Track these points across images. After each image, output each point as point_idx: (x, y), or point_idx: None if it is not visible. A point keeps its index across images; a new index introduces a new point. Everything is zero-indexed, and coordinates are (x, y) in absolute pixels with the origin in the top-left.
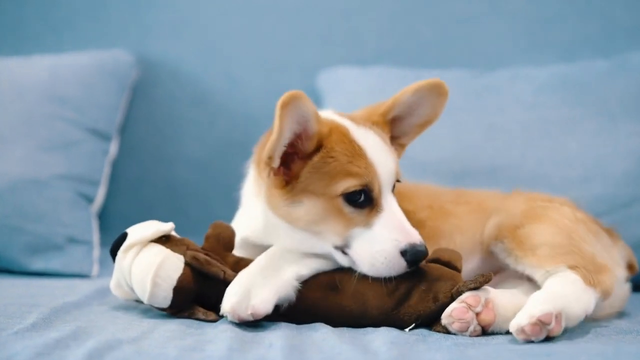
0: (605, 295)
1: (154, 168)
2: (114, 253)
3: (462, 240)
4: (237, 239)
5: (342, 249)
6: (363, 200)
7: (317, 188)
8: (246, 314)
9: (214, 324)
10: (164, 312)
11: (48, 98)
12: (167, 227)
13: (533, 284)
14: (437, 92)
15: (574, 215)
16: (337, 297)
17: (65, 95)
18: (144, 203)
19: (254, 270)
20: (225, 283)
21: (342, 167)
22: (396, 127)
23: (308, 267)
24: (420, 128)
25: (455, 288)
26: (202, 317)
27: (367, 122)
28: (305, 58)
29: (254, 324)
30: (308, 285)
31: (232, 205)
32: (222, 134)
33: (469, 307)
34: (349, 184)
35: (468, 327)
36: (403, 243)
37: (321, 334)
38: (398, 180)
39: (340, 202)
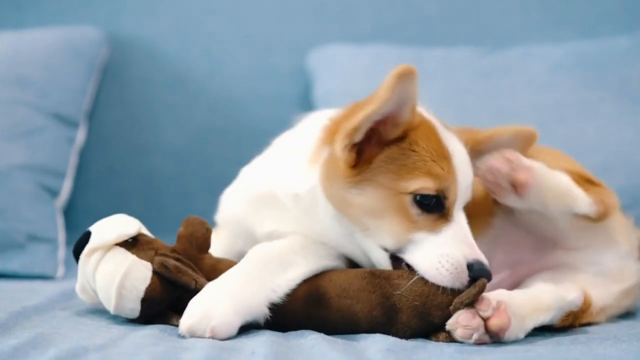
0: (600, 208)
1: (127, 158)
2: (77, 254)
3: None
4: (252, 194)
5: (393, 253)
6: (434, 205)
7: (386, 180)
8: (204, 336)
9: None
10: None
11: (7, 80)
12: (133, 230)
13: (555, 284)
14: (527, 140)
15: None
16: (321, 312)
17: (27, 77)
18: (115, 197)
19: (221, 286)
20: (198, 292)
21: (424, 163)
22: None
23: (286, 286)
24: None
25: (452, 306)
26: (176, 323)
27: (455, 131)
28: (295, 35)
29: None
30: (287, 297)
31: (213, 197)
32: (202, 119)
33: (478, 311)
34: (424, 184)
35: (472, 335)
36: (470, 257)
37: (310, 341)
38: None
39: (408, 200)
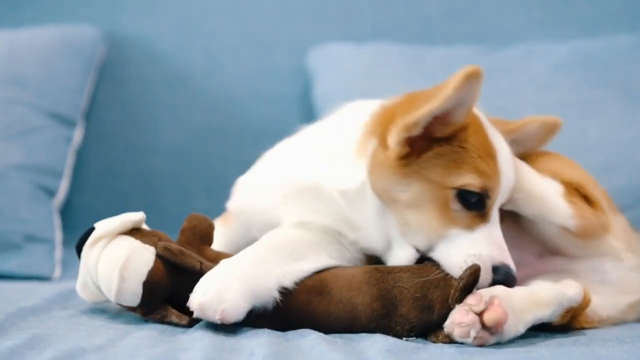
0: (582, 223)
1: (125, 157)
2: (79, 249)
3: None
4: (286, 185)
5: (423, 253)
6: (475, 203)
7: (433, 174)
8: (214, 317)
9: (190, 330)
10: (135, 317)
11: (4, 79)
12: (137, 216)
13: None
14: (551, 130)
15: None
16: (322, 303)
17: (24, 76)
18: (114, 197)
19: (234, 267)
20: (202, 276)
21: (471, 160)
22: None
23: (294, 275)
24: None
25: (450, 298)
26: (176, 320)
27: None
28: (294, 33)
29: (234, 330)
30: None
31: (213, 197)
32: (201, 119)
33: (470, 307)
34: (471, 181)
35: (469, 332)
36: (498, 259)
37: (309, 341)
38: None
39: (451, 195)
